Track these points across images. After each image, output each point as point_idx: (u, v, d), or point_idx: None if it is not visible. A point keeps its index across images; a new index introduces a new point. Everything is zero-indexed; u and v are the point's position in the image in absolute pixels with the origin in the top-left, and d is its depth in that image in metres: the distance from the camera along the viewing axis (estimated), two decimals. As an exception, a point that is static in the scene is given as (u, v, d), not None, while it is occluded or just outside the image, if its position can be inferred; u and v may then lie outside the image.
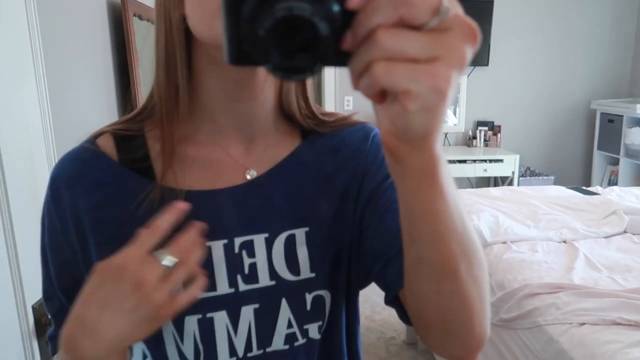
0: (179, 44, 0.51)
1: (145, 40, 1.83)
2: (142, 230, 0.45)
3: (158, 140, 0.55)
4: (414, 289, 0.46)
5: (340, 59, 0.31)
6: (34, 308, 1.14)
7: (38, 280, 1.12)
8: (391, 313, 3.00)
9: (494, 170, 3.98)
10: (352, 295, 0.62)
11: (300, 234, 0.56)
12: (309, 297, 0.56)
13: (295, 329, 0.56)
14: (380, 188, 0.56)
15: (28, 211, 1.08)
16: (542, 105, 4.35)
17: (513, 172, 3.99)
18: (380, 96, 0.32)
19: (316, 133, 0.59)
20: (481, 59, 4.17)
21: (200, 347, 0.54)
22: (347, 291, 0.61)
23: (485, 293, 0.45)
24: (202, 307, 0.52)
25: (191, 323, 0.53)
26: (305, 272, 0.56)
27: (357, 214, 0.58)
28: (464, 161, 3.96)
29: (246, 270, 0.54)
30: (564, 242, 1.91)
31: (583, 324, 1.33)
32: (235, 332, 0.54)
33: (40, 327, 1.15)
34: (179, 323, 0.53)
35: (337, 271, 0.58)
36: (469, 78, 4.26)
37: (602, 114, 4.07)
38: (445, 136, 4.39)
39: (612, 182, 4.00)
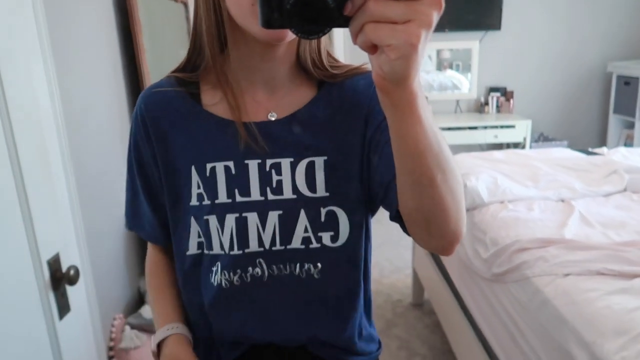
0: (216, 22, 0.67)
1: (148, 12, 1.88)
2: None
3: (208, 83, 0.73)
4: (403, 196, 0.59)
5: (343, 22, 0.43)
6: (48, 263, 1.23)
7: (51, 237, 1.21)
8: (398, 278, 3.08)
9: (505, 137, 3.96)
10: (365, 218, 0.76)
11: (319, 161, 0.71)
12: (323, 211, 0.71)
13: (310, 234, 0.71)
14: (381, 126, 0.68)
15: (39, 173, 1.16)
16: (556, 69, 4.28)
17: (525, 138, 3.97)
18: (372, 48, 0.43)
19: (329, 83, 0.74)
20: (493, 23, 4.11)
21: (235, 238, 0.70)
22: (359, 213, 0.74)
23: (459, 199, 0.58)
24: (239, 208, 0.70)
25: (231, 219, 0.70)
26: (321, 191, 0.70)
27: (364, 148, 0.71)
28: (475, 128, 3.95)
29: (274, 185, 0.70)
30: (562, 201, 1.93)
31: (568, 274, 1.37)
32: (264, 229, 0.70)
33: (55, 281, 1.25)
34: (221, 219, 0.70)
35: (349, 193, 0.72)
36: (482, 43, 4.21)
37: (618, 76, 3.99)
38: (457, 103, 4.38)
39: (628, 146, 3.94)
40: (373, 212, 0.78)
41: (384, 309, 2.72)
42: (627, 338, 1.08)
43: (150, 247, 0.89)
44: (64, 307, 1.29)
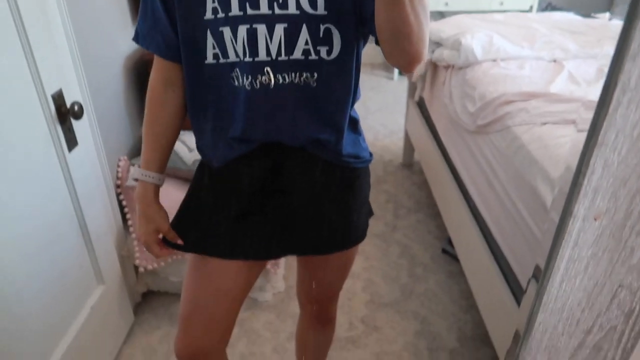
0: None
1: None
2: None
3: None
4: (379, 15, 0.71)
5: None
6: (53, 97, 1.30)
7: (53, 74, 1.26)
8: (392, 140, 3.19)
9: (510, 4, 3.83)
10: (356, 40, 0.86)
11: None
12: (322, 27, 0.81)
13: (310, 47, 0.82)
14: None
15: (37, 15, 1.18)
16: None
17: (531, 7, 3.84)
18: None
19: None
20: None
21: (247, 46, 0.81)
22: (350, 33, 0.84)
23: (422, 23, 0.70)
24: (250, 20, 0.79)
25: (242, 30, 0.80)
26: (321, 10, 0.80)
27: None
28: (481, -7, 3.80)
29: (280, 1, 0.79)
30: (554, 61, 1.95)
31: (545, 123, 1.45)
32: (271, 40, 0.81)
33: (61, 115, 1.33)
34: (234, 29, 0.80)
35: (343, 14, 0.82)
36: None
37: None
38: (465, -33, 4.14)
39: (636, 17, 3.83)
40: (365, 38, 0.88)
41: (375, 168, 2.86)
42: (587, 173, 1.19)
43: (155, 70, 0.96)
44: (71, 140, 1.39)
